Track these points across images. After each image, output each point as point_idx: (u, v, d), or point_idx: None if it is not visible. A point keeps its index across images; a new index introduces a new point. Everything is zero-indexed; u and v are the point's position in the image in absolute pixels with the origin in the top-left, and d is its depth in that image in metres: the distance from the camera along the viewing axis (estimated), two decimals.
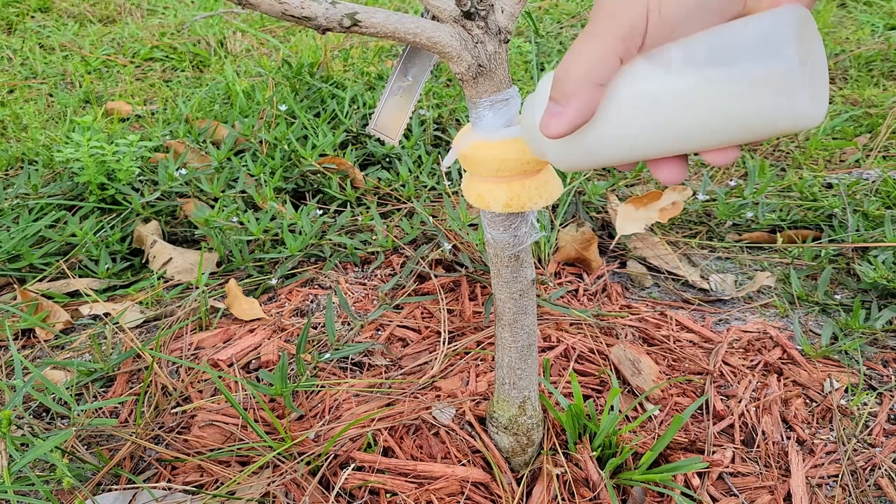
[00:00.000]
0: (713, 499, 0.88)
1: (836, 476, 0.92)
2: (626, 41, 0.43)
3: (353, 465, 0.87)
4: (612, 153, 0.49)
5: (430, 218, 1.32)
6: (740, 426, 0.98)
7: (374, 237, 1.33)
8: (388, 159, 1.59)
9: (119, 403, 1.00)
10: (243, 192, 1.42)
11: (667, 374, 1.06)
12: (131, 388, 1.04)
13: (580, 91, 0.45)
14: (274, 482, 0.85)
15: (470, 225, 1.27)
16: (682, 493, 0.85)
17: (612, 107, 0.46)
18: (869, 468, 0.94)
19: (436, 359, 1.06)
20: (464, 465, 0.87)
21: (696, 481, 0.89)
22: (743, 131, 0.45)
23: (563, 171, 0.53)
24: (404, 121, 0.70)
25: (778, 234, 1.40)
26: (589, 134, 0.48)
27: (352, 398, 0.98)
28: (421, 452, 0.90)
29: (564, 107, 0.45)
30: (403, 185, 1.47)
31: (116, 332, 1.14)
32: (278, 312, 1.18)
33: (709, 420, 0.99)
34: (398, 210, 1.43)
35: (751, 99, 0.43)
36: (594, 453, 0.86)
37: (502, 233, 0.69)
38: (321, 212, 1.41)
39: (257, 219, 1.32)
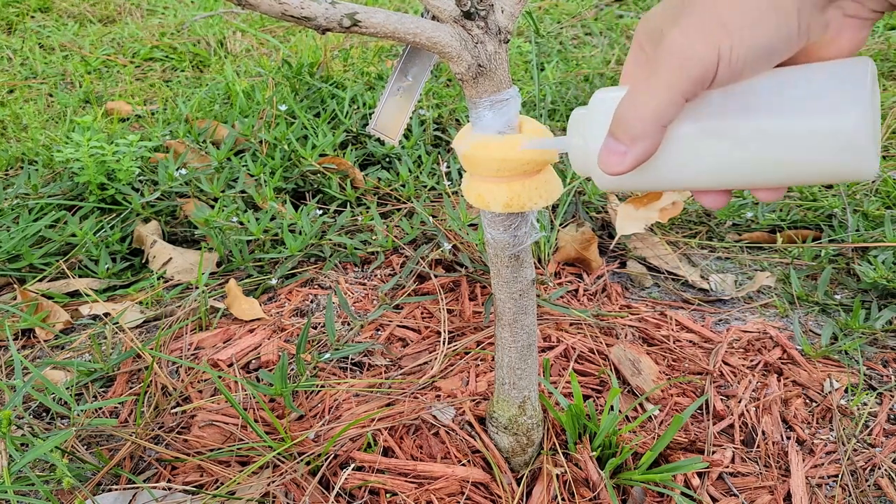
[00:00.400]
0: (713, 499, 0.88)
1: (836, 476, 0.92)
2: (695, 86, 0.43)
3: (353, 465, 0.87)
4: (663, 183, 0.50)
5: (430, 218, 1.32)
6: (740, 426, 0.98)
7: (374, 237, 1.33)
8: (388, 159, 1.59)
9: (119, 403, 1.00)
10: (243, 192, 1.43)
11: (667, 374, 1.06)
12: (131, 388, 1.04)
13: (647, 135, 0.45)
14: (274, 482, 0.85)
15: (470, 225, 1.27)
16: (682, 493, 0.85)
17: (671, 142, 0.47)
18: (869, 468, 0.94)
19: (436, 359, 1.06)
20: (464, 465, 0.87)
21: (696, 481, 0.89)
22: (798, 178, 0.46)
23: (605, 190, 0.52)
24: (404, 121, 0.70)
25: (778, 234, 1.40)
26: (644, 165, 0.48)
27: (352, 398, 0.98)
28: (421, 452, 0.90)
29: (629, 147, 0.46)
30: (403, 185, 1.47)
31: (116, 332, 1.14)
32: (278, 312, 1.18)
33: (709, 420, 0.99)
34: (398, 210, 1.43)
35: (811, 152, 0.43)
36: (594, 453, 0.86)
37: (502, 233, 0.69)
38: (321, 212, 1.41)
39: (257, 219, 1.32)
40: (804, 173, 0.45)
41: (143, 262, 1.31)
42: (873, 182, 1.53)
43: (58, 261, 1.27)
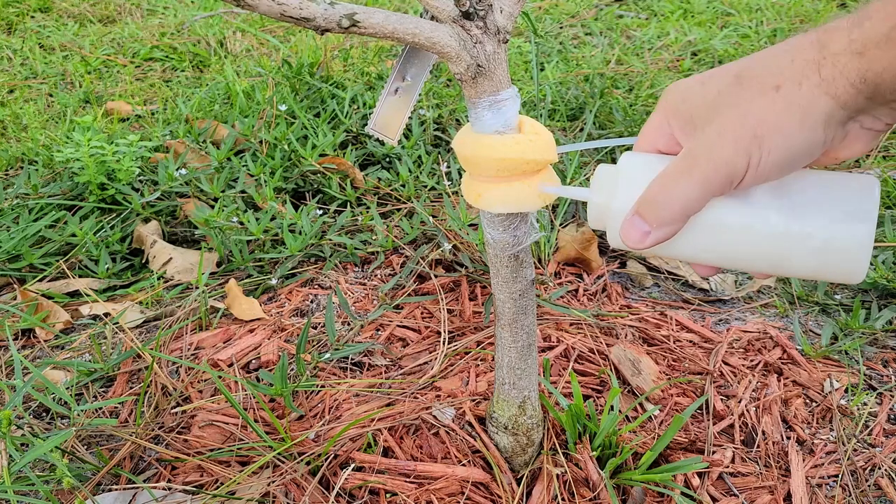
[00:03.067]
0: (713, 499, 0.88)
1: (836, 476, 0.92)
2: (723, 187, 0.47)
3: (353, 466, 0.87)
4: (672, 254, 0.54)
5: (430, 218, 1.32)
6: (740, 426, 0.98)
7: (374, 237, 1.33)
8: (388, 159, 1.59)
9: (119, 403, 1.00)
10: (243, 192, 1.43)
11: (667, 374, 1.06)
12: (131, 388, 1.04)
13: (673, 222, 0.49)
14: (274, 482, 0.85)
15: (470, 225, 1.27)
16: (682, 493, 0.85)
17: (689, 227, 0.51)
18: (869, 468, 0.94)
19: (436, 359, 1.06)
20: (464, 465, 0.87)
21: (696, 481, 0.89)
22: (794, 272, 0.51)
23: (615, 247, 0.57)
24: (403, 121, 0.70)
25: None
26: None
27: (352, 398, 0.98)
28: (421, 452, 0.90)
29: (653, 230, 0.50)
30: (403, 185, 1.47)
31: (116, 332, 1.14)
32: (278, 312, 1.18)
33: (709, 420, 0.99)
34: (398, 210, 1.43)
35: (818, 253, 0.48)
36: (594, 453, 0.86)
37: (502, 233, 0.69)
38: (321, 212, 1.41)
39: (257, 219, 1.32)
40: (803, 268, 0.50)
41: (143, 262, 1.31)
42: None
43: (58, 261, 1.27)
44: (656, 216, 0.49)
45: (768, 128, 0.44)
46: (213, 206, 1.40)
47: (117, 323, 1.13)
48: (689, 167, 0.47)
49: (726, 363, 1.09)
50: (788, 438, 0.97)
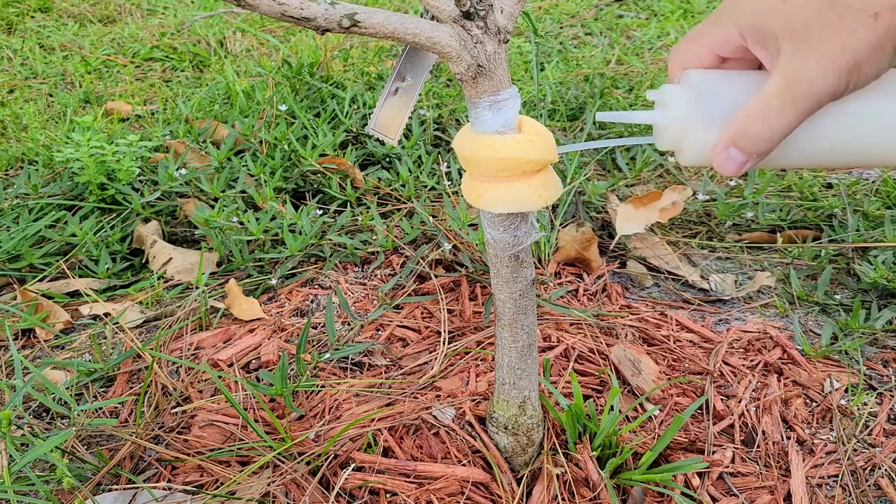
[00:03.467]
0: (713, 499, 0.88)
1: (836, 476, 0.92)
2: (820, 106, 0.49)
3: (353, 466, 0.87)
4: (765, 164, 0.54)
5: (430, 218, 1.32)
6: (740, 426, 0.98)
7: (374, 237, 1.33)
8: (388, 159, 1.59)
9: (119, 403, 1.00)
10: (243, 192, 1.43)
11: (667, 374, 1.06)
12: (131, 388, 1.04)
13: (768, 151, 0.50)
14: (274, 482, 0.85)
15: (470, 225, 1.27)
16: (682, 493, 0.85)
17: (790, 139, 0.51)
18: (869, 468, 0.94)
19: (436, 359, 1.06)
20: (464, 465, 0.87)
21: (696, 481, 0.89)
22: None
23: (688, 165, 0.57)
24: (403, 121, 0.70)
25: (778, 234, 1.40)
26: None
27: (352, 398, 0.98)
28: (421, 452, 0.90)
29: (751, 160, 0.51)
30: (403, 185, 1.47)
31: (116, 332, 1.14)
32: (278, 312, 1.18)
33: (709, 420, 0.99)
34: (398, 210, 1.43)
35: None
36: (594, 453, 0.86)
37: (502, 233, 0.69)
38: (321, 212, 1.41)
39: (257, 219, 1.32)
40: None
41: (143, 262, 1.31)
42: (873, 182, 1.53)
43: (58, 261, 1.27)
44: (756, 148, 0.50)
45: (868, 55, 0.47)
46: (213, 206, 1.40)
47: (117, 323, 1.13)
48: (793, 97, 0.48)
49: (726, 363, 1.09)
50: (788, 438, 0.97)
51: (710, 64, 0.56)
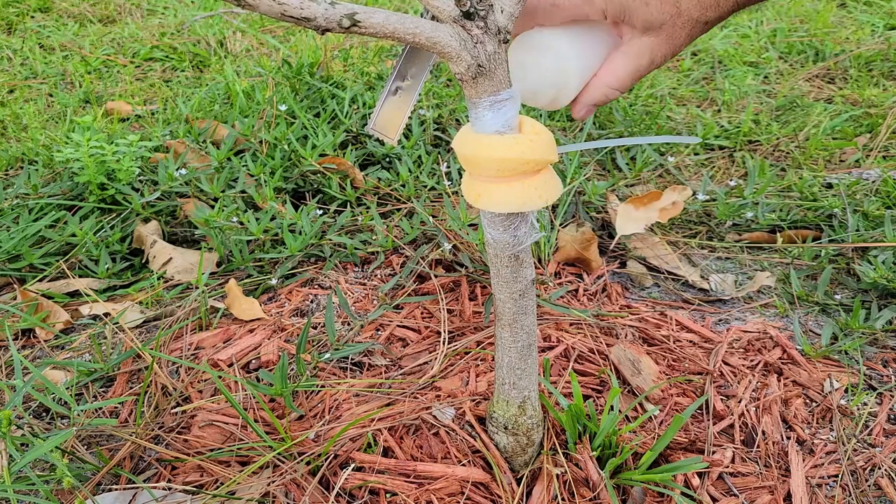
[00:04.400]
0: (713, 499, 0.88)
1: (836, 476, 0.92)
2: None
3: (353, 466, 0.87)
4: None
5: (430, 218, 1.32)
6: (740, 426, 0.98)
7: (374, 237, 1.33)
8: (388, 159, 1.59)
9: (119, 403, 1.00)
10: (243, 192, 1.43)
11: (667, 374, 1.06)
12: (131, 388, 1.04)
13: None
14: (274, 482, 0.85)
15: (470, 225, 1.27)
16: (682, 493, 0.85)
17: None
18: (869, 468, 0.94)
19: (436, 359, 1.06)
20: (464, 465, 0.87)
21: (696, 481, 0.89)
22: None
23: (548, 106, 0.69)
24: (403, 121, 0.70)
25: (778, 234, 1.40)
26: None
27: (352, 398, 0.98)
28: (421, 452, 0.90)
29: (594, 108, 0.70)
30: (403, 185, 1.47)
31: (116, 332, 1.14)
32: (278, 312, 1.18)
33: (709, 420, 0.99)
34: (398, 210, 1.43)
35: None
36: (594, 453, 0.86)
37: (502, 233, 0.69)
38: (321, 212, 1.41)
39: (257, 219, 1.32)
40: None
41: (143, 262, 1.31)
42: (873, 182, 1.53)
43: (58, 261, 1.27)
44: (603, 102, 0.69)
45: (681, 49, 0.67)
46: (213, 206, 1.40)
47: (117, 323, 1.13)
48: (635, 70, 0.66)
49: (726, 363, 1.09)
50: (788, 438, 0.97)
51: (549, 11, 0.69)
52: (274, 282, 1.24)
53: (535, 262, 1.29)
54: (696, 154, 1.73)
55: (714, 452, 0.93)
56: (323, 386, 1.00)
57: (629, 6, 0.64)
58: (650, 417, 0.97)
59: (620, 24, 0.66)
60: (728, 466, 0.92)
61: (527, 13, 0.66)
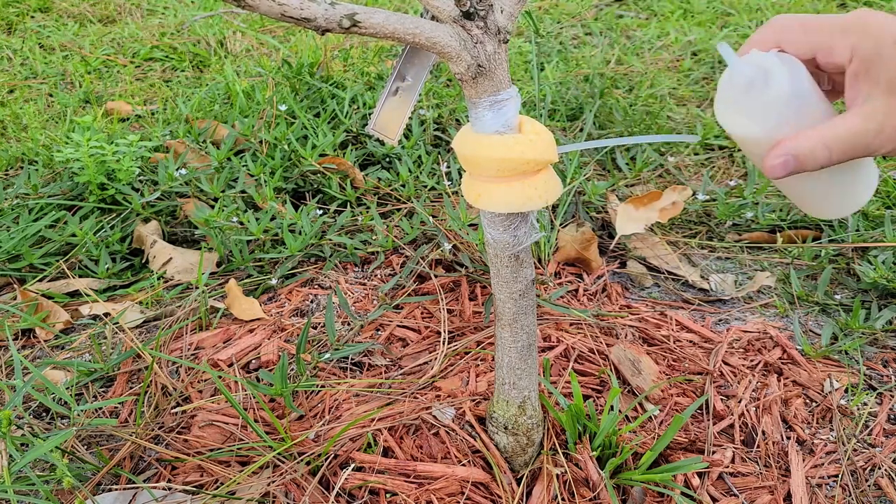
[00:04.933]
0: (713, 499, 0.88)
1: (836, 476, 0.92)
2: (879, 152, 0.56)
3: (353, 466, 0.87)
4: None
5: (430, 218, 1.32)
6: (740, 426, 0.98)
7: (374, 237, 1.33)
8: (388, 159, 1.59)
9: (119, 403, 1.00)
10: (243, 192, 1.42)
11: (667, 374, 1.06)
12: (131, 388, 1.04)
13: (810, 170, 0.56)
14: (274, 482, 0.85)
15: (470, 225, 1.27)
16: (682, 493, 0.85)
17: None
18: (869, 468, 0.94)
19: (436, 359, 1.06)
20: (464, 465, 0.87)
21: (696, 481, 0.89)
22: None
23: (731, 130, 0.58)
24: (403, 121, 0.70)
25: (778, 234, 1.40)
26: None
27: (352, 398, 0.98)
28: (421, 452, 0.90)
29: (795, 170, 0.55)
30: (403, 185, 1.47)
31: (116, 332, 1.14)
32: (278, 312, 1.18)
33: (709, 420, 0.99)
34: (398, 210, 1.43)
35: None
36: (594, 453, 0.86)
37: (502, 233, 0.69)
38: (321, 212, 1.41)
39: (257, 219, 1.32)
40: None
41: (143, 262, 1.31)
42: None
43: (58, 261, 1.27)
44: (806, 166, 0.55)
45: None
46: (213, 206, 1.40)
47: (117, 323, 1.13)
48: (857, 141, 0.54)
49: (726, 363, 1.09)
50: (788, 438, 0.97)
51: (776, 45, 0.58)
52: (274, 282, 1.24)
53: (535, 262, 1.29)
54: (696, 154, 1.73)
55: (714, 452, 0.94)
56: (323, 386, 1.00)
57: (883, 55, 0.52)
58: (650, 417, 0.97)
59: (859, 78, 0.54)
60: (728, 466, 0.92)
61: (774, 26, 0.58)
